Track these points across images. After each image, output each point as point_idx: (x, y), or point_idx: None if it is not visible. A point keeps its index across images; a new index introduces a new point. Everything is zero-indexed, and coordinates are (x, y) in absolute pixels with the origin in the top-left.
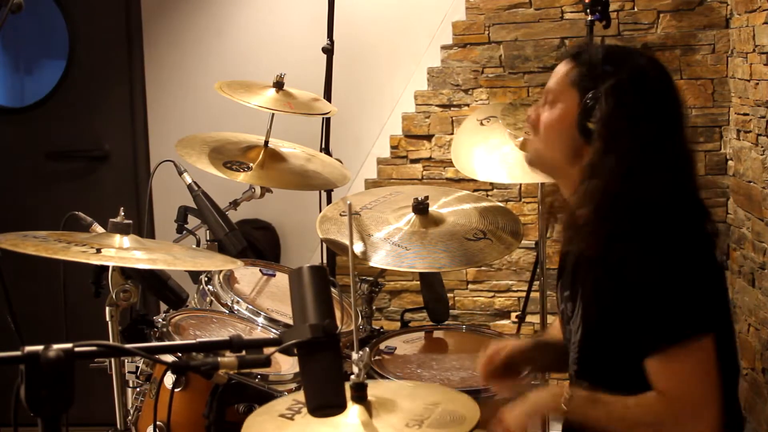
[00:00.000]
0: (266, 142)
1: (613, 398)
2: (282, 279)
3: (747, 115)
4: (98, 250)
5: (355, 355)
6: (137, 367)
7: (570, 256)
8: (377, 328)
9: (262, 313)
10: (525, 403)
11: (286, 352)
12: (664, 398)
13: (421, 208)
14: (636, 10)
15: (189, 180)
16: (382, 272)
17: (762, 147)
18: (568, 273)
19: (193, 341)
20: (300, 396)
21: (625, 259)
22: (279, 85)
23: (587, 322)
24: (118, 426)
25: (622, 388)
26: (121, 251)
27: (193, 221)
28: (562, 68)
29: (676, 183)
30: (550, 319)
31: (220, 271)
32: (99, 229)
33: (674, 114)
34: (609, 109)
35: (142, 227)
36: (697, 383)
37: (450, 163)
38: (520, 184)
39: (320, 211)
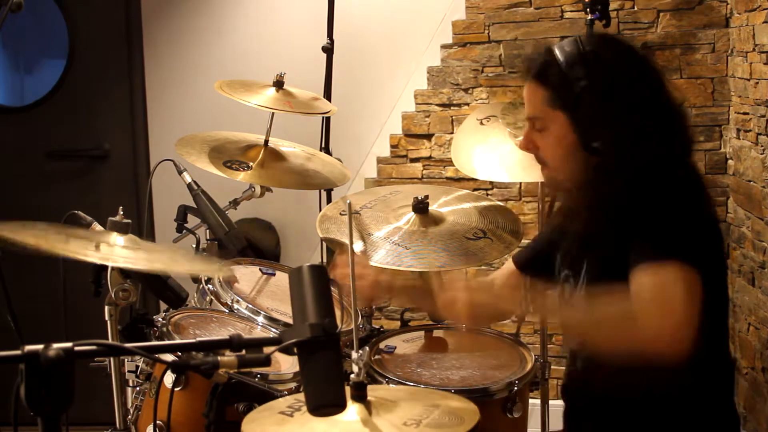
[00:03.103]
0: (266, 142)
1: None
2: (282, 278)
3: (747, 114)
4: (98, 246)
5: (354, 355)
6: (137, 367)
7: (571, 237)
8: (377, 327)
9: (262, 313)
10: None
11: (286, 351)
12: (645, 309)
13: (420, 207)
14: (636, 9)
15: (189, 179)
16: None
17: (762, 146)
18: (568, 252)
19: (193, 340)
20: (300, 395)
21: (630, 208)
22: (279, 84)
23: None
24: (118, 425)
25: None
26: (116, 250)
27: (192, 220)
28: (533, 93)
29: (679, 155)
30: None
31: None
32: (99, 228)
33: (656, 81)
34: (602, 114)
35: (142, 226)
36: (679, 301)
37: (450, 163)
38: (520, 184)
39: (320, 210)
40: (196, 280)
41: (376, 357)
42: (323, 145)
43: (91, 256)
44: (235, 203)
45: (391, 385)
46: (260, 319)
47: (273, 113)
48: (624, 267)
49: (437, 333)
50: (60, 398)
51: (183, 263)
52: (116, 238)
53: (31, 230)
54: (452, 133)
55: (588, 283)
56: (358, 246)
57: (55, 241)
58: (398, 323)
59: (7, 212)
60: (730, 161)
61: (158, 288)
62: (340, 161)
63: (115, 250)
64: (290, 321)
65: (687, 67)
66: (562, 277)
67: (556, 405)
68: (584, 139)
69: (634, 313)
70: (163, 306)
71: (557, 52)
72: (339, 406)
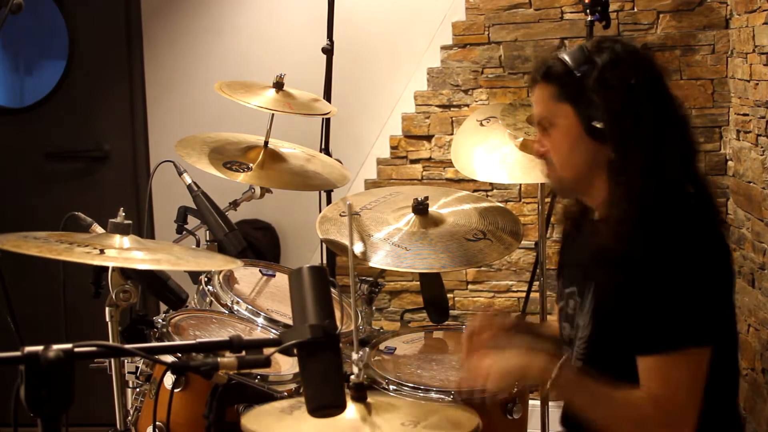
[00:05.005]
0: (266, 143)
1: (600, 387)
2: (282, 279)
3: (747, 115)
4: (101, 251)
5: (354, 356)
6: (137, 368)
7: (579, 252)
8: (377, 328)
9: (261, 314)
10: (511, 361)
11: (286, 352)
12: (652, 400)
13: (420, 208)
14: (636, 10)
15: (189, 180)
16: (382, 273)
17: (762, 147)
18: (577, 268)
19: (193, 341)
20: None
21: (647, 258)
22: (279, 85)
23: (600, 318)
24: (118, 426)
25: (626, 383)
26: (123, 252)
27: (192, 221)
28: (540, 93)
29: (688, 156)
30: (550, 319)
31: (220, 271)
32: (99, 229)
33: (658, 78)
34: (606, 99)
35: (142, 227)
36: (686, 391)
37: (450, 164)
38: (520, 185)
39: (320, 211)
40: (196, 281)
41: (376, 358)
42: (323, 147)
43: (98, 260)
44: (235, 204)
45: (391, 392)
46: (260, 320)
47: (273, 114)
48: (630, 301)
49: (437, 334)
50: (60, 399)
51: (188, 260)
52: (118, 239)
53: (33, 241)
54: (452, 134)
55: (596, 306)
56: (358, 247)
57: (59, 251)
58: (398, 324)
59: (6, 213)
60: (729, 162)
61: (158, 289)
62: (340, 162)
63: (121, 252)
64: (290, 322)
65: (687, 68)
66: (566, 293)
67: (556, 406)
68: (588, 124)
69: (642, 400)
70: (163, 307)
71: (562, 53)
72: (339, 408)
